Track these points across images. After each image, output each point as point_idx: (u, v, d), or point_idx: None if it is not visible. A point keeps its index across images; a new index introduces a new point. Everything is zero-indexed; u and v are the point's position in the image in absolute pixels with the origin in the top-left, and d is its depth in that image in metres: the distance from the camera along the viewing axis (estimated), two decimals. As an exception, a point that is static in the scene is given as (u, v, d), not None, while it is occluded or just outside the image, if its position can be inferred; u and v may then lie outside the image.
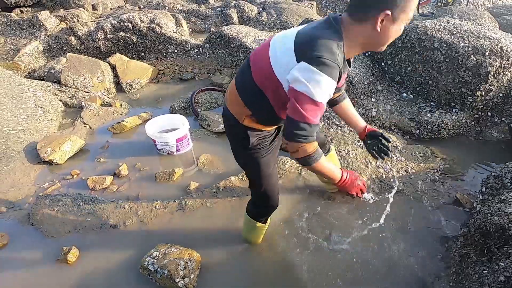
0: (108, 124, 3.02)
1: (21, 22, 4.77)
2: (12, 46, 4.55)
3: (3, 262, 1.64)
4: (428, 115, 2.54)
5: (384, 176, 2.13)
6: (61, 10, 5.67)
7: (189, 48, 4.49)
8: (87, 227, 1.81)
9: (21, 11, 5.67)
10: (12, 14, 5.05)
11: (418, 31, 2.63)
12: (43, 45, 4.46)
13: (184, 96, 3.62)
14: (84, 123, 3.06)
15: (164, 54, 4.54)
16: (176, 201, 1.98)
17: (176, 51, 4.53)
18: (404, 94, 2.80)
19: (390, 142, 1.47)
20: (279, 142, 1.43)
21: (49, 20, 4.86)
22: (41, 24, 4.73)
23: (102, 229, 1.80)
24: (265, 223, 1.58)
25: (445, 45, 2.48)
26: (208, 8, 6.57)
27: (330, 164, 1.25)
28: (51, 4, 5.92)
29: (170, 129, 2.67)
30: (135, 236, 1.77)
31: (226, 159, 2.48)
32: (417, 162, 2.24)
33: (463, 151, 2.41)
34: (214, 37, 4.36)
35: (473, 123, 2.55)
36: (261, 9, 6.47)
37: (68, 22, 5.07)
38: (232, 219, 1.86)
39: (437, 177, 2.12)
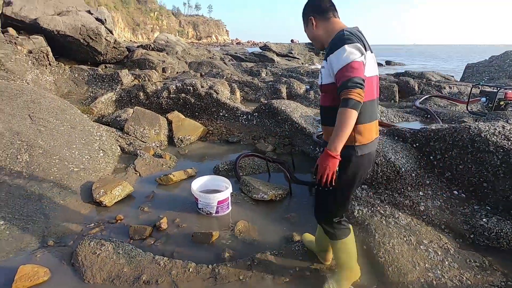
0: (156, 175, 3.22)
1: (104, 76, 5.64)
2: (91, 94, 5.31)
3: (37, 300, 1.67)
4: (484, 219, 2.36)
5: (435, 282, 1.92)
6: (137, 69, 6.66)
7: (239, 114, 4.87)
8: (121, 278, 1.81)
9: (105, 67, 6.77)
10: (99, 69, 6.03)
11: (471, 132, 2.63)
12: (116, 96, 5.15)
13: (227, 158, 3.80)
14: (136, 170, 3.29)
15: (216, 116, 4.96)
16: (210, 266, 1.94)
17: (226, 115, 4.94)
18: (456, 192, 2.68)
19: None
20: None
21: (127, 77, 5.69)
22: (120, 79, 5.55)
23: (135, 284, 1.78)
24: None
25: (501, 150, 2.44)
26: (261, 81, 7.28)
27: None
28: (130, 64, 7.02)
29: (214, 189, 2.76)
30: (165, 298, 1.72)
31: (263, 229, 2.44)
32: (473, 273, 2.01)
33: (528, 268, 2.13)
34: (264, 107, 4.72)
35: (537, 237, 2.31)
36: (308, 87, 7.01)
37: (140, 80, 5.89)
38: (264, 299, 1.75)
39: (498, 295, 1.87)
